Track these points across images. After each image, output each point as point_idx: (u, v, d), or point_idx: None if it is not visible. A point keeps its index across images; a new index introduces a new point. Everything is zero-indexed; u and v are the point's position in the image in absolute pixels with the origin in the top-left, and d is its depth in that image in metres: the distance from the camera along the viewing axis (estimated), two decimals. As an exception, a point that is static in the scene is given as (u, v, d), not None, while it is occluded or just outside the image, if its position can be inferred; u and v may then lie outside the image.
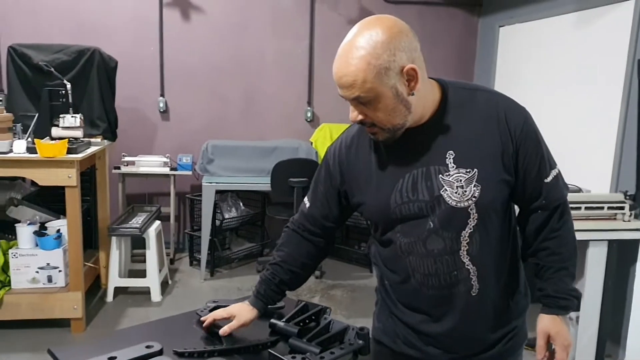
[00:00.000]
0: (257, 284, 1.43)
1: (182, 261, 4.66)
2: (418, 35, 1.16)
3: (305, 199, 1.44)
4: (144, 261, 3.85)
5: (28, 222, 3.26)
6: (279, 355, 1.24)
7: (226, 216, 4.45)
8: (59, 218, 3.53)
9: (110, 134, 3.95)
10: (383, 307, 1.41)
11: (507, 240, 1.29)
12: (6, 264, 3.19)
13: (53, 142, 3.07)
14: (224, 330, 1.34)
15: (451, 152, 1.20)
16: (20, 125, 3.29)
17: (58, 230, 3.28)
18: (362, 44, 1.09)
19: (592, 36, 3.48)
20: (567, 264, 1.28)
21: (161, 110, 4.71)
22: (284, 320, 1.40)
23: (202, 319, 1.40)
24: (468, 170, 1.19)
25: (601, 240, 2.72)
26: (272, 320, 1.41)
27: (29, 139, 3.15)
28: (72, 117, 3.30)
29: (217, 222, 4.31)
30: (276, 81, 4.86)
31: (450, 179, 1.19)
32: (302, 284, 1.48)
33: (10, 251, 3.17)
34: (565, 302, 1.27)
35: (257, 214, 4.76)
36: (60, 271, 3.22)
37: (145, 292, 3.79)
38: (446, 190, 1.19)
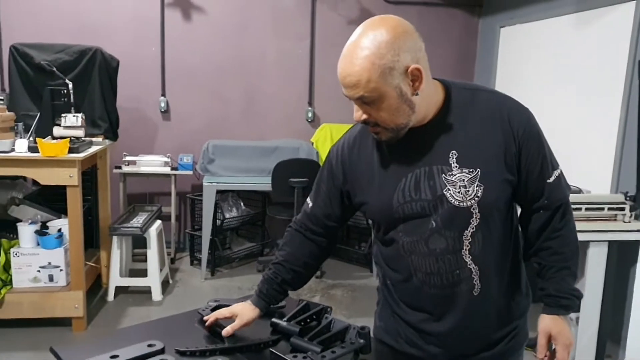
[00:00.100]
0: (260, 283, 1.43)
1: (182, 261, 4.67)
2: (419, 36, 1.16)
3: (308, 199, 1.44)
4: (145, 260, 3.85)
5: (29, 221, 3.27)
6: (281, 355, 1.24)
7: (227, 216, 4.46)
8: (60, 217, 3.53)
9: (112, 133, 3.96)
10: (385, 306, 1.42)
11: (509, 240, 1.29)
12: (8, 263, 3.20)
13: (55, 141, 3.08)
14: (226, 331, 1.33)
15: (454, 152, 1.20)
16: (22, 124, 3.30)
17: (59, 230, 3.29)
18: (366, 43, 1.10)
19: (592, 37, 3.49)
20: (569, 264, 1.29)
21: (162, 110, 4.72)
22: (285, 319, 1.40)
23: (204, 318, 1.41)
24: (471, 170, 1.19)
25: (601, 241, 2.73)
26: (274, 320, 1.41)
27: (31, 138, 3.16)
28: (73, 116, 3.31)
29: (218, 222, 4.32)
30: (277, 81, 4.87)
31: (453, 179, 1.20)
32: (304, 284, 1.48)
33: (11, 250, 3.18)
34: (567, 302, 1.27)
35: (258, 214, 4.77)
36: (61, 270, 3.22)
37: (146, 291, 3.80)
38: (449, 189, 1.20)
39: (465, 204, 1.19)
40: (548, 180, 1.25)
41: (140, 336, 1.31)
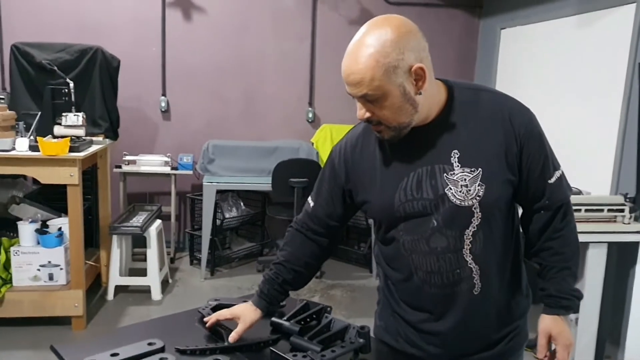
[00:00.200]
0: (261, 283, 1.43)
1: (182, 260, 4.67)
2: (421, 36, 1.17)
3: (309, 199, 1.44)
4: (145, 260, 3.85)
5: (30, 220, 3.27)
6: (281, 353, 1.24)
7: (227, 216, 4.46)
8: (60, 216, 3.53)
9: (112, 132, 3.96)
10: (385, 306, 1.42)
11: (510, 240, 1.30)
12: (8, 261, 3.20)
13: (55, 140, 3.08)
14: (233, 337, 1.31)
15: (456, 151, 1.21)
16: (22, 123, 3.30)
17: (59, 229, 3.29)
18: (371, 42, 1.10)
19: (592, 39, 3.49)
20: (569, 264, 1.29)
21: (162, 109, 4.72)
22: (285, 318, 1.41)
23: (205, 319, 1.40)
24: (473, 169, 1.20)
25: (601, 243, 2.73)
26: (274, 319, 1.41)
27: (32, 137, 3.16)
28: (74, 115, 3.32)
29: (218, 222, 4.32)
30: (277, 82, 4.87)
31: (454, 178, 1.20)
32: (305, 284, 1.48)
33: (12, 249, 3.18)
34: (567, 302, 1.28)
35: (258, 214, 4.77)
36: (61, 269, 3.23)
37: (146, 290, 3.80)
38: (451, 189, 1.20)
39: (466, 203, 1.20)
40: (549, 181, 1.25)
41: (140, 335, 1.31)
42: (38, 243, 3.22)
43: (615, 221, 2.79)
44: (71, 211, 3.11)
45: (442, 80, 1.25)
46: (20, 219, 3.32)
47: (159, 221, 4.01)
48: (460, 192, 1.20)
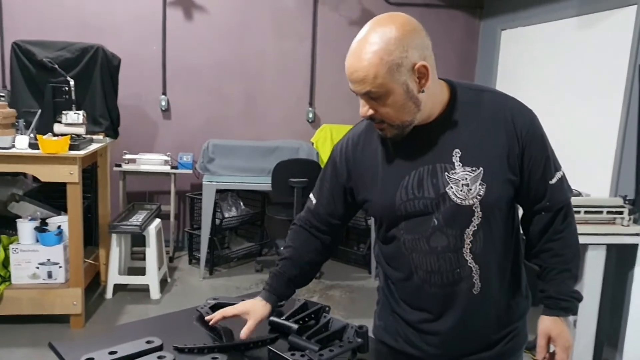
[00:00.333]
0: (269, 279, 1.41)
1: (181, 259, 4.67)
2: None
3: (311, 196, 1.44)
4: (144, 259, 3.85)
5: (29, 217, 3.27)
6: (279, 352, 1.24)
7: (226, 215, 4.46)
8: (59, 214, 3.53)
9: (112, 131, 3.96)
10: (385, 306, 1.42)
11: (510, 240, 1.30)
12: (7, 259, 3.20)
13: (55, 138, 3.08)
14: (244, 333, 1.29)
15: (457, 150, 1.21)
16: (23, 121, 3.30)
17: (59, 227, 3.29)
18: (375, 39, 1.10)
19: (593, 41, 3.49)
20: (569, 266, 1.29)
21: (163, 108, 4.73)
22: (283, 317, 1.41)
23: (207, 317, 1.39)
24: (474, 168, 1.20)
25: (600, 245, 2.73)
26: (272, 318, 1.41)
27: (32, 135, 3.16)
28: (74, 114, 3.32)
29: (217, 221, 4.32)
30: (278, 81, 4.87)
31: (456, 177, 1.20)
32: (307, 283, 1.48)
33: (11, 246, 3.18)
34: (567, 304, 1.28)
35: (257, 214, 4.77)
36: (60, 267, 3.23)
37: (145, 289, 3.80)
38: (452, 188, 1.20)
39: (467, 202, 1.20)
40: (550, 182, 1.25)
41: (138, 333, 1.31)
42: (37, 241, 3.22)
43: (614, 223, 2.79)
44: (71, 209, 3.11)
45: (445, 80, 1.25)
46: (20, 217, 3.32)
47: (158, 220, 4.01)
48: (461, 191, 1.20)
